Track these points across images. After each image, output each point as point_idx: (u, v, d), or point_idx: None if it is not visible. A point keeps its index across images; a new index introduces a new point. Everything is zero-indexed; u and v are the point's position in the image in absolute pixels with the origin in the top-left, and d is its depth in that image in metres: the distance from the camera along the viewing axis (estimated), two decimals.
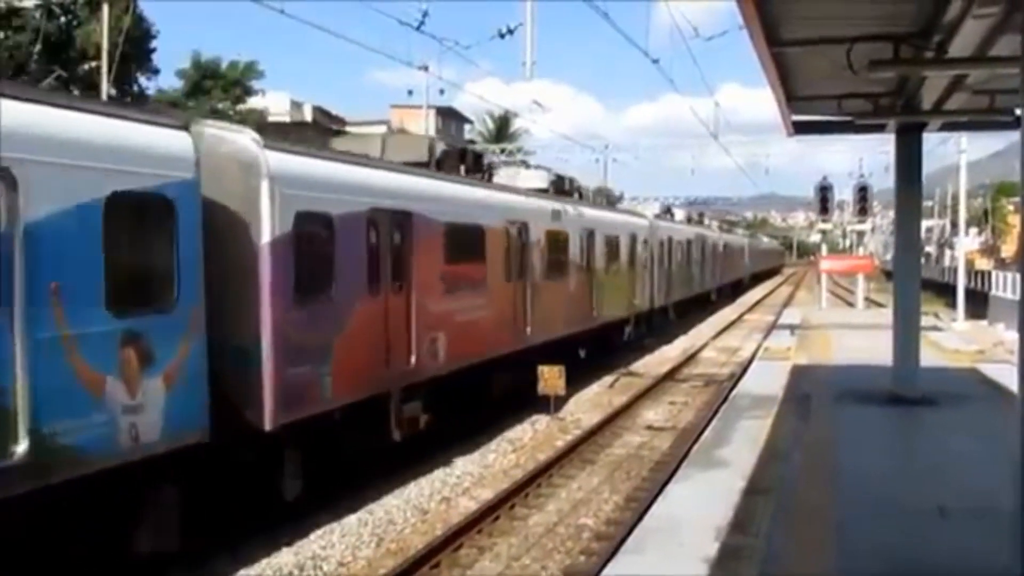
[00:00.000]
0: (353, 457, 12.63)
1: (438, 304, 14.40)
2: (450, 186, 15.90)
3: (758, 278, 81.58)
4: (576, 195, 24.94)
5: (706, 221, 52.18)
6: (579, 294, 22.50)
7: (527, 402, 18.52)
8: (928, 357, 16.82)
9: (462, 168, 17.48)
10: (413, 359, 13.53)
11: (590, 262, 23.51)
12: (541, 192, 21.37)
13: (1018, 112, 14.09)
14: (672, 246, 34.83)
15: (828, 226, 51.98)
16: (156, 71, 43.84)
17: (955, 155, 42.44)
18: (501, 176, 21.52)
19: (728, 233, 62.80)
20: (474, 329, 15.99)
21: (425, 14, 20.72)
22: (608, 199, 31.32)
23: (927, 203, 74.52)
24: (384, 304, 12.84)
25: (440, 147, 16.51)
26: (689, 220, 43.95)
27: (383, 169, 13.77)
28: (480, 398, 16.95)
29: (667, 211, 39.41)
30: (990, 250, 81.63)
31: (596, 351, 24.18)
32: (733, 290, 59.14)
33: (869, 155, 61.58)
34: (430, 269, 14.20)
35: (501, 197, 18.40)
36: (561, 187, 23.57)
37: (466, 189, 16.68)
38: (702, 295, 44.03)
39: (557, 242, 20.87)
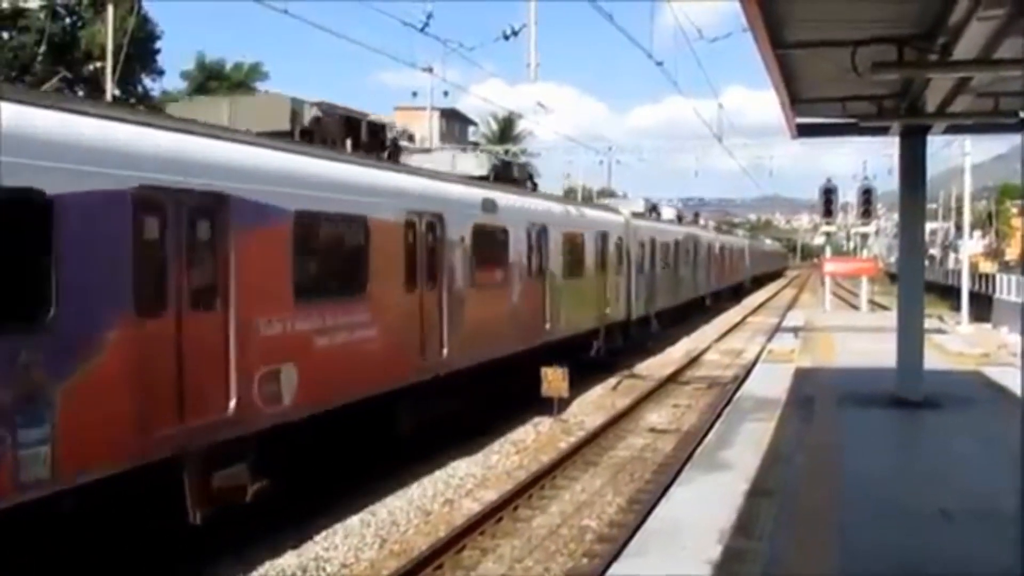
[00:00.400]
0: (111, 557, 8.81)
1: (281, 324, 10.70)
2: (309, 162, 11.82)
3: (760, 281, 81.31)
4: (529, 185, 21.86)
5: (701, 221, 49.76)
6: (526, 303, 18.72)
7: (530, 404, 18.53)
8: (932, 360, 16.80)
9: (349, 143, 13.75)
10: (232, 404, 9.82)
11: (542, 264, 19.77)
12: (479, 180, 17.96)
13: (1022, 115, 14.12)
14: (655, 247, 31.55)
15: (832, 228, 51.89)
16: (160, 72, 44.25)
17: (959, 158, 42.38)
18: (435, 160, 18.15)
19: (728, 234, 62.42)
20: (351, 355, 12.16)
21: (429, 15, 20.74)
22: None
23: (931, 206, 74.40)
24: (173, 329, 9.11)
25: (312, 113, 12.97)
26: (680, 219, 40.27)
27: (172, 130, 9.67)
28: (384, 438, 13.69)
29: (652, 209, 35.95)
30: (994, 253, 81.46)
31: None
32: (733, 294, 58.91)
33: (873, 157, 61.49)
34: (266, 277, 10.55)
35: (402, 181, 14.18)
36: (508, 175, 20.09)
37: (339, 168, 12.57)
38: (694, 301, 40.70)
39: (492, 240, 17.18)
